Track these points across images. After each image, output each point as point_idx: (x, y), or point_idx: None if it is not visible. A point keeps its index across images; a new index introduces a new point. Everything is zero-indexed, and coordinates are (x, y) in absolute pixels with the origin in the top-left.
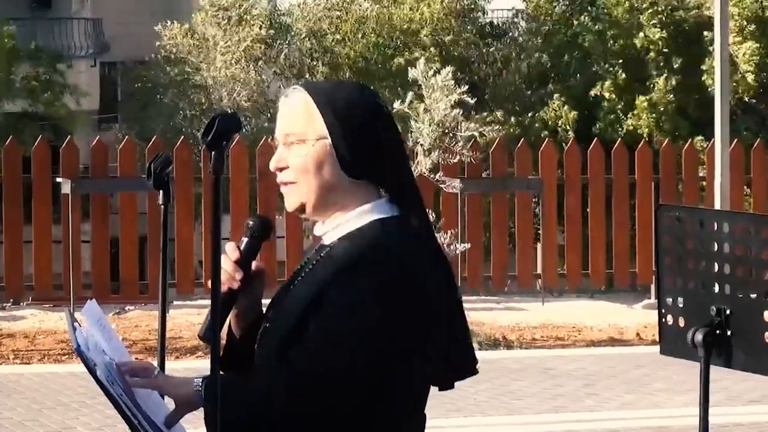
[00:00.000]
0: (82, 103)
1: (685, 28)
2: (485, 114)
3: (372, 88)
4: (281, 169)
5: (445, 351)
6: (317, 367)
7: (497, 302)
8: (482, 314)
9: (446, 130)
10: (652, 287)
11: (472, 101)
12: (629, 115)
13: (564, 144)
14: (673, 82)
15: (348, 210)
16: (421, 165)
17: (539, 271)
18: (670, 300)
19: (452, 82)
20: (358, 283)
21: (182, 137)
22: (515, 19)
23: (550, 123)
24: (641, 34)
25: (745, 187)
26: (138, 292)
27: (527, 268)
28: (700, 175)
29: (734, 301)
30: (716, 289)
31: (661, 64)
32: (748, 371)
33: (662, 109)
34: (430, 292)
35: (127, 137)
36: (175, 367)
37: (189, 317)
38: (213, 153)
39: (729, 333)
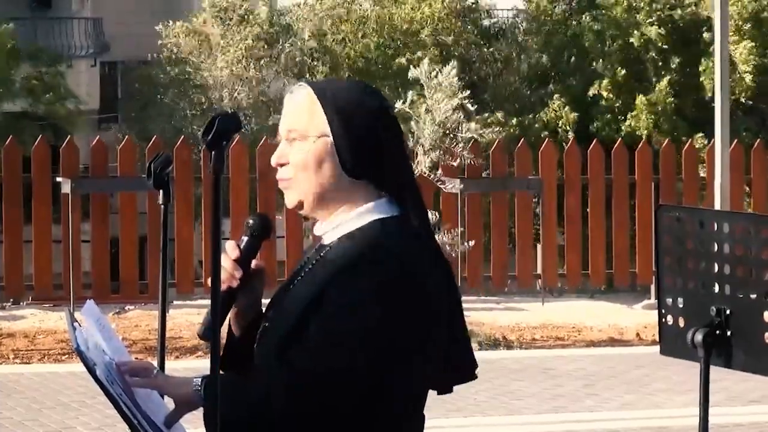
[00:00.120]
0: (82, 103)
1: (681, 26)
2: (486, 115)
3: (376, 88)
4: (282, 165)
5: (444, 351)
6: (317, 367)
7: (497, 302)
8: (482, 314)
9: (447, 131)
10: (652, 287)
11: (473, 108)
12: (628, 116)
13: (564, 144)
14: (671, 82)
15: (348, 210)
16: (422, 165)
17: (539, 271)
18: (670, 300)
19: (456, 79)
20: (358, 283)
21: (182, 137)
22: (516, 20)
23: (549, 123)
24: (637, 32)
25: (746, 187)
26: (138, 292)
27: (527, 268)
28: (701, 175)
29: (734, 301)
30: (716, 289)
31: (660, 64)
32: (748, 371)
33: (660, 109)
34: (430, 292)
35: (127, 137)
36: (175, 366)
37: (189, 317)
38: (213, 153)
39: (729, 333)
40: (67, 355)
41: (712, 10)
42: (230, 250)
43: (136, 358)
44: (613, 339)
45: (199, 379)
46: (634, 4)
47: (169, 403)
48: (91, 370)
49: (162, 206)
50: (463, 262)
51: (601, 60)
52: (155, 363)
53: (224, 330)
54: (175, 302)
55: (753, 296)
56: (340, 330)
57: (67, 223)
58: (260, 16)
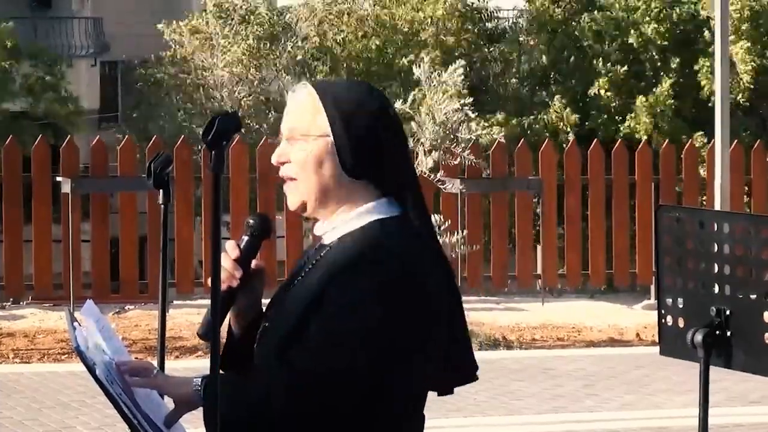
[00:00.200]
0: (82, 102)
1: (680, 26)
2: (487, 116)
3: (379, 89)
4: (283, 164)
5: (445, 351)
6: (317, 367)
7: (497, 302)
8: (482, 314)
9: (447, 132)
10: (652, 288)
11: (473, 115)
12: (628, 117)
13: (564, 145)
14: (671, 83)
15: (348, 210)
16: (422, 165)
17: (539, 271)
18: (669, 300)
19: (461, 78)
20: (358, 282)
21: (182, 137)
22: (517, 20)
23: (550, 124)
24: (633, 31)
25: (745, 187)
26: (138, 292)
27: (527, 268)
28: (701, 175)
29: (734, 301)
30: (716, 289)
31: (659, 64)
32: (747, 372)
33: (660, 110)
34: (431, 291)
35: (127, 137)
36: (175, 366)
37: (189, 317)
38: (213, 153)
39: (729, 333)
40: (66, 355)
41: (711, 9)
42: (230, 250)
43: (136, 358)
44: (613, 339)
45: (199, 379)
46: (632, 4)
47: (169, 403)
48: (91, 370)
49: (162, 206)
50: (463, 262)
51: (600, 60)
52: (155, 363)
53: (224, 330)
54: (175, 302)
55: (753, 296)
56: (340, 330)
57: (67, 223)
58: (262, 15)
